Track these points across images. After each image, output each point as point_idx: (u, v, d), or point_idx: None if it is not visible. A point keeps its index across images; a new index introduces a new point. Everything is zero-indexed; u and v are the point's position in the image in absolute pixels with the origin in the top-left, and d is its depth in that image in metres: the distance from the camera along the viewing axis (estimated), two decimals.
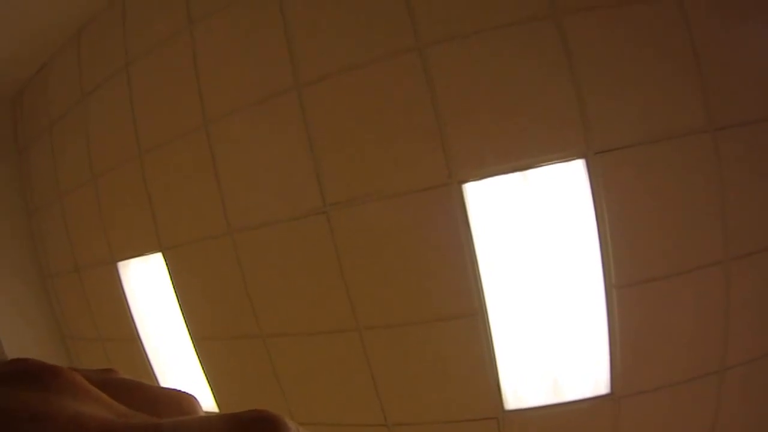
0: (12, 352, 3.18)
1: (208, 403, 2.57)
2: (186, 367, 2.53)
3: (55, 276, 3.29)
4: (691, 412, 2.26)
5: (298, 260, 2.15)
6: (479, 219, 1.95)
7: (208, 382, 2.49)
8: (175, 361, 2.60)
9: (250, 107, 2.17)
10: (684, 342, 2.11)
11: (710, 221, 1.98)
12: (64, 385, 0.21)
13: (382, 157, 1.99)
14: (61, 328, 3.41)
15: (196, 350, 2.45)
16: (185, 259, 2.42)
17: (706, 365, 2.15)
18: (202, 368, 2.48)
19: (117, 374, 0.26)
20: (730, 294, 2.05)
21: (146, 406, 0.24)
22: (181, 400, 0.26)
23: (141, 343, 2.72)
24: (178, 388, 0.26)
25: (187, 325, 2.43)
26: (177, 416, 0.24)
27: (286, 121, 2.11)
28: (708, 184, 1.95)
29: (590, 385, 2.13)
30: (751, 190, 1.97)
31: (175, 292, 2.46)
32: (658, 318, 2.03)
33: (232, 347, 2.38)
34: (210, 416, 0.21)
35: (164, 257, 2.48)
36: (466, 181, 1.93)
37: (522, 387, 2.13)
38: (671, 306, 2.03)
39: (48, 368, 0.22)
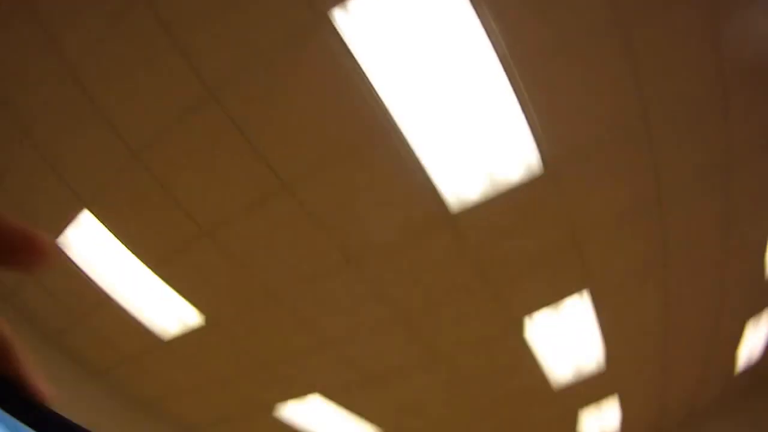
0: None
1: (194, 319, 2.65)
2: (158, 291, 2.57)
3: None
4: (627, 168, 2.30)
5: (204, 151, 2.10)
6: (360, 44, 1.87)
7: (184, 297, 2.56)
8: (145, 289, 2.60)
9: None
10: (600, 101, 2.10)
11: None
12: None
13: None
14: None
15: (157, 275, 2.45)
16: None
17: (629, 128, 2.17)
18: (173, 288, 2.50)
19: None
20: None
21: None
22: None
23: None
24: (34, 230, 0.23)
25: (138, 257, 2.42)
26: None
27: None
28: None
29: (523, 170, 2.16)
30: None
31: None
32: (564, 79, 2.00)
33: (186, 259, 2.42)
34: None
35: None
36: (331, 9, 1.82)
37: (460, 188, 2.17)
38: (575, 67, 1.99)
39: None
